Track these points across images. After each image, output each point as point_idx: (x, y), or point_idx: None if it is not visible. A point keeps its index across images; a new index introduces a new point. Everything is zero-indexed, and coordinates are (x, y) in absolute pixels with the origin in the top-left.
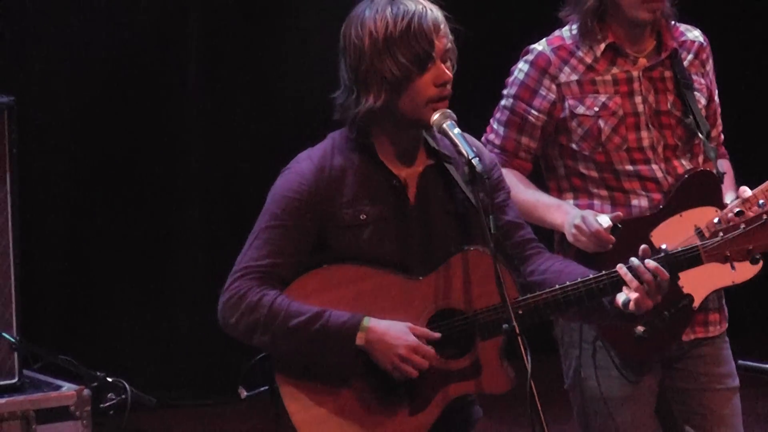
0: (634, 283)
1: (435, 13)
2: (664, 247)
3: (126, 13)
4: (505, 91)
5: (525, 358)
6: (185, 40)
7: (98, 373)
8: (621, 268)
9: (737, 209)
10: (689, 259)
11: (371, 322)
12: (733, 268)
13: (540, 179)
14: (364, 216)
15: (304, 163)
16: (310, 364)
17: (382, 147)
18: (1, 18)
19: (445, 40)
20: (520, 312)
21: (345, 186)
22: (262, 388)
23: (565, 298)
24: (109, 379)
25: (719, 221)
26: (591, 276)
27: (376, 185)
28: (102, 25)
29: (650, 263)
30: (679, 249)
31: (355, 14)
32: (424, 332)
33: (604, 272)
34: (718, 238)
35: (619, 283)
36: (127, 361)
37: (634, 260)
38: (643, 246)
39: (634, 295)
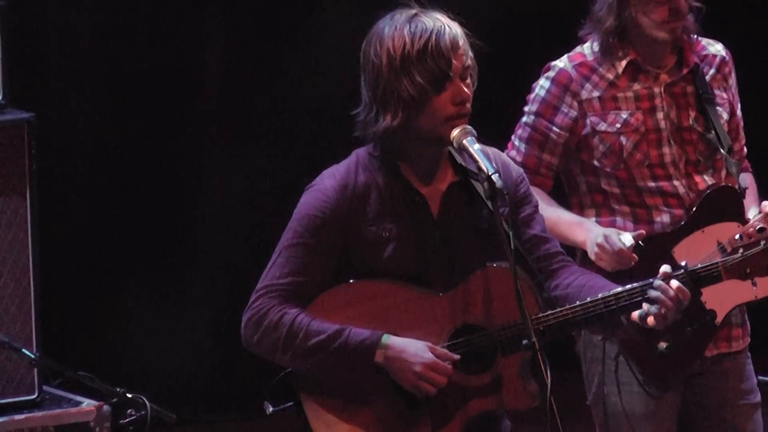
0: (657, 300)
1: (454, 30)
2: (684, 263)
3: (146, 30)
4: (526, 108)
5: (545, 373)
6: (205, 55)
7: (118, 389)
8: (649, 291)
9: (759, 225)
10: (709, 275)
11: (390, 340)
12: (754, 284)
13: (562, 196)
14: (387, 233)
15: (328, 181)
16: (333, 381)
17: (406, 164)
18: (20, 35)
19: (464, 57)
20: (541, 328)
21: (369, 203)
22: (288, 404)
23: (585, 315)
24: (129, 395)
25: (740, 237)
26: (611, 292)
27: (400, 202)
28: (121, 42)
29: (674, 283)
30: (699, 265)
31: (375, 31)
32: (444, 353)
33: (624, 289)
34: (738, 255)
35: (638, 302)
36: (147, 377)
37: (657, 281)
38: (663, 268)
39: (653, 311)
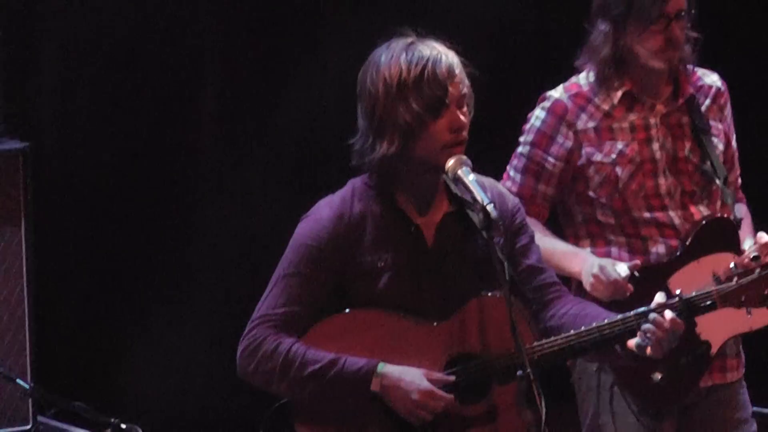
0: (650, 332)
1: (450, 58)
2: (678, 292)
3: (142, 55)
4: (522, 138)
5: (539, 403)
6: (202, 83)
7: (113, 420)
8: (643, 322)
9: (754, 254)
10: (704, 304)
11: (386, 368)
12: (749, 313)
13: (557, 226)
14: (382, 263)
15: (324, 211)
16: (329, 410)
17: (401, 193)
18: (14, 64)
19: (460, 85)
20: (537, 357)
21: (364, 233)
22: None
23: (580, 344)
24: (124, 426)
25: (735, 266)
26: (606, 322)
27: (395, 232)
28: (117, 69)
29: (668, 315)
30: (694, 294)
31: (371, 60)
32: (440, 377)
33: (618, 318)
34: (733, 283)
35: (633, 330)
36: (142, 408)
37: (652, 314)
38: (658, 297)
39: (648, 342)
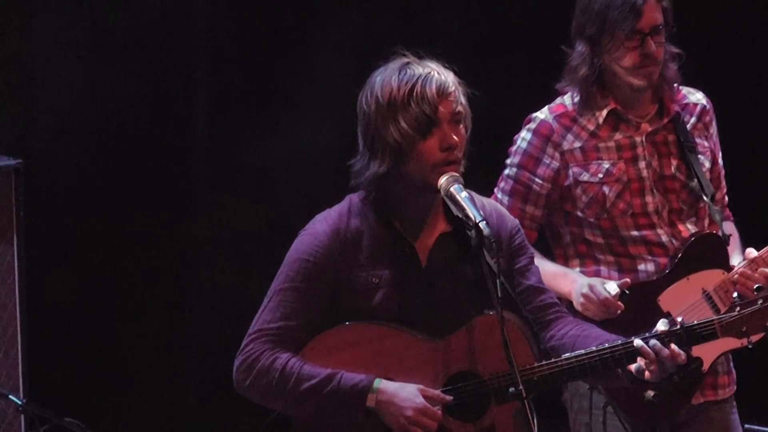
0: (651, 358)
1: (442, 77)
2: (680, 320)
3: (133, 71)
4: (508, 161)
5: (531, 421)
6: (194, 95)
7: None
8: (643, 348)
9: (756, 285)
10: (705, 332)
11: (382, 384)
12: (749, 344)
13: (546, 247)
14: (377, 280)
15: (320, 226)
16: (325, 424)
17: (396, 212)
18: (8, 82)
19: (453, 104)
20: (535, 378)
21: (360, 249)
22: None
23: (580, 367)
24: None
25: (738, 296)
26: (606, 346)
27: (389, 251)
28: (109, 85)
29: (673, 347)
30: (695, 322)
31: (369, 80)
32: (436, 395)
33: (619, 342)
34: (735, 314)
35: (633, 355)
36: (133, 424)
37: (653, 341)
38: (659, 326)
39: (648, 367)
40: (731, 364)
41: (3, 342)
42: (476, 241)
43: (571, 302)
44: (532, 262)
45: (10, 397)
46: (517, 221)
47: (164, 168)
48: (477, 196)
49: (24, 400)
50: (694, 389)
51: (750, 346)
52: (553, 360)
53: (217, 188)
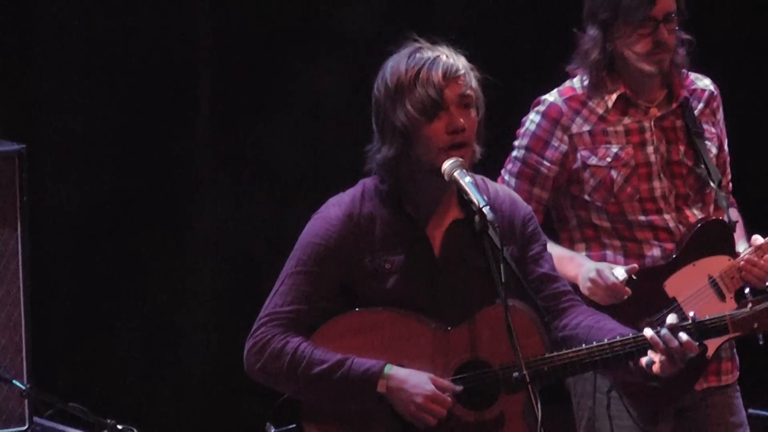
0: (662, 350)
1: (450, 60)
2: (692, 314)
3: (138, 61)
4: (516, 143)
5: (535, 407)
6: (198, 88)
7: (109, 421)
8: (653, 338)
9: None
10: (716, 328)
11: (393, 370)
12: (760, 340)
13: (552, 230)
14: (389, 265)
15: (333, 210)
16: (337, 409)
17: (408, 197)
18: (11, 67)
19: (461, 87)
20: (546, 369)
21: (372, 234)
22: (290, 427)
23: (591, 358)
24: (120, 427)
25: (750, 292)
26: (618, 339)
27: (402, 236)
28: (113, 73)
29: (683, 337)
30: (707, 318)
31: (382, 66)
32: (446, 384)
33: (631, 336)
34: (747, 310)
35: (645, 348)
36: (137, 408)
37: (665, 331)
38: (670, 319)
39: (658, 359)
40: (734, 350)
41: (7, 327)
42: (480, 227)
43: (576, 286)
44: (545, 249)
45: (15, 382)
46: (530, 208)
47: (169, 153)
48: (490, 183)
49: (28, 386)
50: (698, 375)
51: (762, 342)
52: (564, 351)
53: (220, 180)
